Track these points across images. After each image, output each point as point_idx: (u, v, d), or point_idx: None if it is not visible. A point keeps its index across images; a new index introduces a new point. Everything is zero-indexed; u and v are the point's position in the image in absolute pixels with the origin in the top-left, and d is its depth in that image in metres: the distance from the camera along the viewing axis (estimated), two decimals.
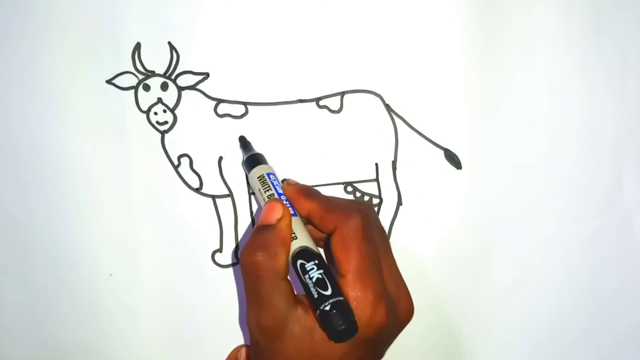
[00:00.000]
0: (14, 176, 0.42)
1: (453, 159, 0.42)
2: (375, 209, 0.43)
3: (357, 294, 0.31)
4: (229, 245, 0.42)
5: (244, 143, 0.41)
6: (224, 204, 0.42)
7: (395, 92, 0.42)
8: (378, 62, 0.42)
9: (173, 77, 0.42)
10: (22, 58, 0.42)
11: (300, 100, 0.42)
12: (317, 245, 0.35)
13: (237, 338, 0.42)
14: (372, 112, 0.42)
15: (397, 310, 0.33)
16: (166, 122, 0.42)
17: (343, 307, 0.30)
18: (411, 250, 0.42)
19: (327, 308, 0.30)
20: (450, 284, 0.43)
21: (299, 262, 0.33)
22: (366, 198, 0.43)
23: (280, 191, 0.37)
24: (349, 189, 0.43)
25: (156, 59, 0.42)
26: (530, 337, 0.44)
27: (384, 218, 0.43)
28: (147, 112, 0.42)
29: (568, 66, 0.43)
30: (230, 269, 0.42)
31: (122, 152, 0.42)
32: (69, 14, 0.41)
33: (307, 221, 0.36)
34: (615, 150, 0.43)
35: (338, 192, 0.43)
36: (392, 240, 0.41)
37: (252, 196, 0.42)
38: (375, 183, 0.43)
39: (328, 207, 0.34)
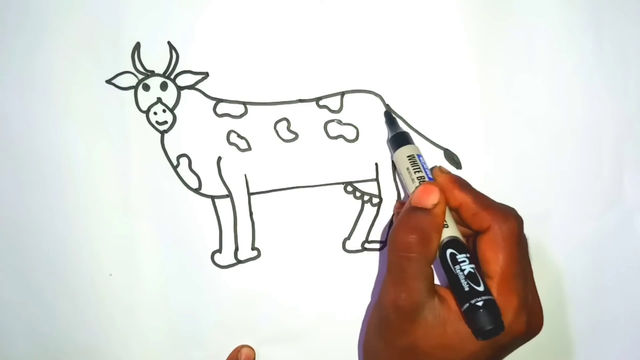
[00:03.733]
0: (14, 176, 0.42)
1: (453, 159, 0.42)
2: (375, 208, 0.43)
3: (503, 298, 0.31)
4: (229, 246, 0.42)
5: (390, 119, 0.41)
6: (223, 205, 0.42)
7: (395, 92, 0.42)
8: (378, 62, 0.42)
9: (172, 76, 0.42)
10: (21, 58, 0.42)
11: (300, 100, 0.42)
12: None
13: (237, 338, 0.43)
14: (372, 112, 0.42)
15: (532, 322, 0.33)
16: (166, 122, 0.42)
17: (494, 307, 0.30)
18: None
19: (480, 304, 0.30)
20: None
21: (450, 251, 0.32)
22: (366, 198, 0.43)
23: (431, 176, 0.36)
24: (349, 188, 0.43)
25: (156, 59, 0.42)
26: None
27: (384, 218, 0.43)
28: (147, 112, 0.42)
29: (568, 66, 0.43)
30: (230, 270, 0.42)
31: (121, 152, 0.42)
32: (68, 14, 0.42)
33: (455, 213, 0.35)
34: (616, 150, 0.43)
35: (338, 192, 0.43)
36: None
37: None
38: (375, 183, 0.43)
39: (484, 204, 0.33)
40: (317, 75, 0.42)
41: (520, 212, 0.42)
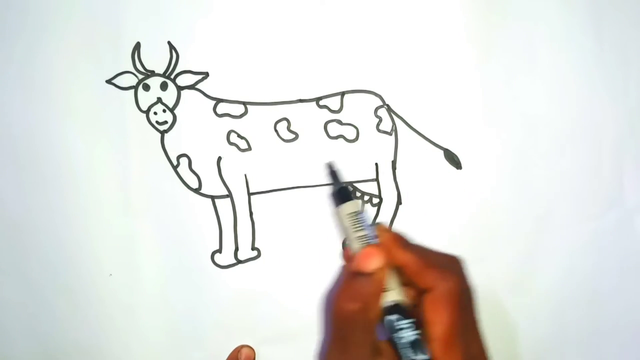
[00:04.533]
0: (14, 176, 0.42)
1: (453, 159, 0.42)
2: (375, 208, 0.43)
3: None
4: (228, 246, 0.42)
5: (333, 172, 0.39)
6: (223, 205, 0.42)
7: (395, 92, 0.42)
8: (378, 62, 0.42)
9: (172, 76, 0.42)
10: (22, 58, 0.42)
11: (301, 100, 0.42)
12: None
13: (237, 338, 0.43)
14: (372, 112, 0.42)
15: None
16: (166, 122, 0.42)
17: None
18: None
19: None
20: None
21: (391, 317, 0.32)
22: (366, 198, 0.43)
23: (372, 234, 0.35)
24: (349, 188, 0.43)
25: (156, 59, 0.42)
26: (530, 337, 0.43)
27: (384, 218, 0.43)
28: (147, 112, 0.42)
29: (568, 66, 0.43)
30: (230, 270, 0.42)
31: (121, 152, 0.42)
32: (68, 14, 0.42)
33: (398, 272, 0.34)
34: (616, 150, 0.43)
35: None
36: None
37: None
38: (375, 183, 0.43)
39: (425, 264, 0.32)
40: (317, 75, 0.42)
41: (520, 213, 0.43)
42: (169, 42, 0.42)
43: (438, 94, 0.42)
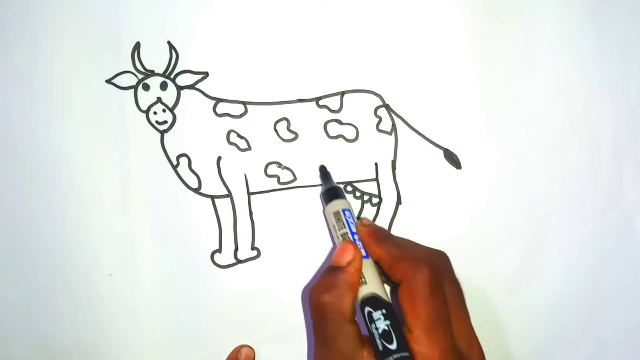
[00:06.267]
0: (15, 176, 0.42)
1: (453, 159, 0.42)
2: (375, 208, 0.43)
3: (423, 350, 0.31)
4: (228, 246, 0.42)
5: (325, 174, 0.41)
6: (223, 205, 0.42)
7: (395, 92, 0.42)
8: (378, 62, 0.42)
9: (172, 76, 0.42)
10: (22, 58, 0.42)
11: (301, 100, 0.42)
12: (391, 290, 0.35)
13: (236, 338, 0.42)
14: (372, 112, 0.42)
15: None
16: (166, 122, 0.42)
17: None
18: None
19: None
20: None
21: (367, 309, 0.33)
22: (366, 198, 0.43)
23: (354, 230, 0.36)
24: (349, 188, 0.43)
25: (156, 59, 0.42)
26: (531, 337, 0.43)
27: (384, 218, 0.43)
28: (147, 112, 0.42)
29: (568, 66, 0.43)
30: (229, 270, 0.42)
31: (121, 152, 0.42)
32: (69, 14, 0.42)
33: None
34: (616, 150, 0.43)
35: None
36: None
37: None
38: (375, 183, 0.43)
39: (397, 257, 0.33)
40: (317, 75, 0.42)
41: (520, 213, 0.43)
42: (169, 42, 0.42)
43: (438, 94, 0.42)
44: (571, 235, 0.43)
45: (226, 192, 0.42)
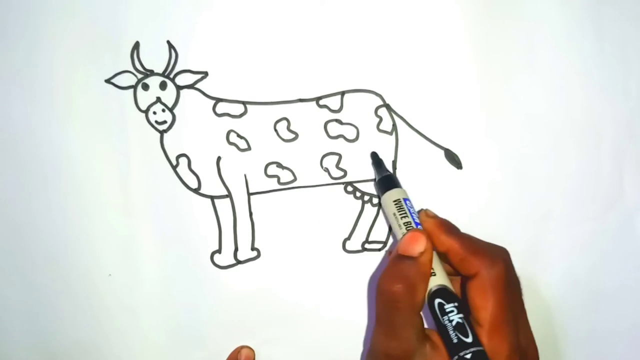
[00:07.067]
0: (15, 176, 0.42)
1: (453, 159, 0.42)
2: (375, 209, 0.43)
3: (493, 345, 0.31)
4: (228, 246, 0.42)
5: (377, 161, 0.41)
6: (223, 205, 0.42)
7: (396, 92, 0.42)
8: (378, 62, 0.42)
9: (172, 76, 0.42)
10: (22, 58, 0.42)
11: (300, 100, 0.42)
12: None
13: (236, 338, 0.43)
14: (372, 112, 0.42)
15: None
16: (165, 122, 0.42)
17: (484, 359, 0.30)
18: None
19: (468, 357, 0.30)
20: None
21: (438, 301, 0.32)
22: (366, 198, 0.43)
23: (417, 220, 0.36)
24: (349, 188, 0.43)
25: (155, 58, 0.42)
26: None
27: (384, 218, 0.43)
28: (146, 112, 0.42)
29: (568, 66, 0.42)
30: (229, 270, 0.42)
31: (121, 152, 0.42)
32: (68, 13, 0.42)
33: (443, 258, 0.35)
34: (617, 150, 0.43)
35: (338, 192, 0.42)
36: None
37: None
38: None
39: (471, 250, 0.33)
40: (317, 75, 0.42)
41: (520, 213, 0.43)
42: (168, 42, 0.41)
43: (438, 93, 0.42)
44: (571, 235, 0.43)
45: (226, 192, 0.42)
